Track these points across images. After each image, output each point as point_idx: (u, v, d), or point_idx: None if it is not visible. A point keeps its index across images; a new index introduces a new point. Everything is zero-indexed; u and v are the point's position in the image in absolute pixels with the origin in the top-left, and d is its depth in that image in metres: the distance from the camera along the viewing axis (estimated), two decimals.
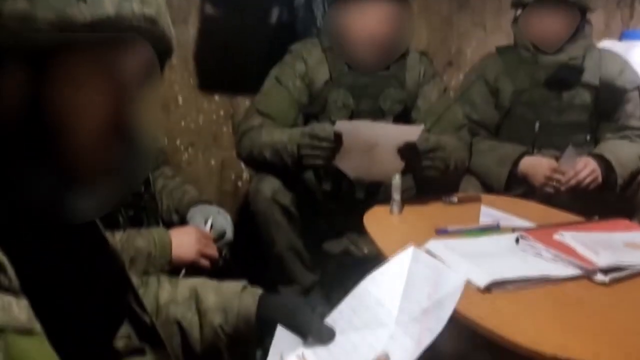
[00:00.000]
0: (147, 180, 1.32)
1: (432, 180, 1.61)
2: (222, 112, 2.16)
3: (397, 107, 1.73)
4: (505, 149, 1.85)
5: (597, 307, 0.97)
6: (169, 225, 1.35)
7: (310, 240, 1.72)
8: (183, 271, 1.17)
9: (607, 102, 1.87)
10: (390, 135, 1.50)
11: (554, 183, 1.73)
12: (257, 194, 1.63)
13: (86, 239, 0.58)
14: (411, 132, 1.50)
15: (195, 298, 0.78)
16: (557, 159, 1.76)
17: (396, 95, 1.73)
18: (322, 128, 1.53)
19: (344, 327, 0.70)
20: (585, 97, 1.86)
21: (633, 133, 1.87)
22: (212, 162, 2.19)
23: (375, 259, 0.90)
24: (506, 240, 1.20)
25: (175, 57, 1.80)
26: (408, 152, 1.50)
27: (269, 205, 1.62)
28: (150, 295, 0.78)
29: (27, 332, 0.40)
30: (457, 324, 0.72)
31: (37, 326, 0.41)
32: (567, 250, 1.11)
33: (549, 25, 1.83)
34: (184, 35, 2.00)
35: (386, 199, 1.48)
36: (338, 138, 1.48)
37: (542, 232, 1.20)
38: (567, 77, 1.85)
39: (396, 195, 1.44)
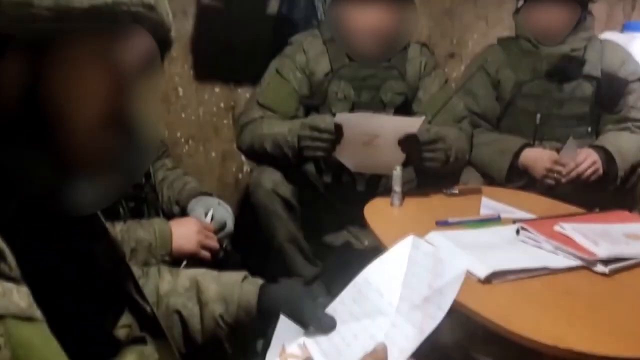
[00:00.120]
0: (148, 171, 1.32)
1: (432, 172, 1.61)
2: (222, 104, 2.16)
3: (398, 99, 1.72)
4: (506, 141, 1.84)
5: (597, 297, 0.98)
6: (169, 216, 1.35)
7: (311, 233, 1.72)
8: (184, 262, 1.18)
9: (609, 93, 1.86)
10: (390, 127, 1.49)
11: (555, 175, 1.72)
12: (257, 186, 1.63)
13: (87, 229, 0.58)
14: (412, 124, 1.49)
15: (196, 288, 0.78)
16: (558, 150, 1.75)
17: (397, 87, 1.72)
18: (322, 119, 1.52)
19: (345, 317, 0.70)
20: (586, 88, 1.85)
21: (634, 125, 1.86)
22: (213, 154, 2.19)
23: (376, 251, 0.90)
24: (507, 231, 1.21)
25: (175, 49, 1.80)
26: (409, 144, 1.49)
27: (270, 197, 1.61)
28: (151, 285, 0.78)
29: (27, 318, 0.40)
30: (457, 315, 0.72)
31: (38, 313, 0.41)
32: (567, 242, 1.11)
33: (550, 16, 1.82)
34: (184, 27, 2.00)
35: (387, 191, 1.48)
36: (338, 130, 1.47)
37: (543, 223, 1.20)
38: (568, 69, 1.84)
39: (397, 187, 1.44)
